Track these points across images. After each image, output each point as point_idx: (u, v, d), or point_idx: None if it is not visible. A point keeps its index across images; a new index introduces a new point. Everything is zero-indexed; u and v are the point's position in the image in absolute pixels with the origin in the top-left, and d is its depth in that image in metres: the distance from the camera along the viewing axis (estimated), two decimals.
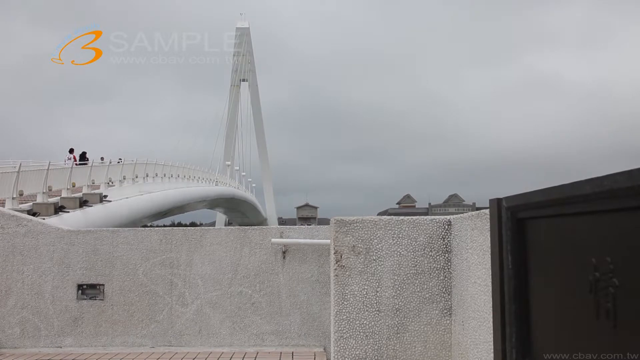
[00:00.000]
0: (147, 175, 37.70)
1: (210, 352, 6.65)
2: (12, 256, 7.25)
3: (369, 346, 4.53)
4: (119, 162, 34.01)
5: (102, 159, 35.52)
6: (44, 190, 23.82)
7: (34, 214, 20.03)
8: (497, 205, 2.35)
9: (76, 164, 31.61)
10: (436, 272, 4.53)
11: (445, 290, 4.59)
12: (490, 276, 3.03)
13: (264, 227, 7.95)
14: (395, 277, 4.49)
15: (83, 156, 36.07)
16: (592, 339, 1.61)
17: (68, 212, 23.74)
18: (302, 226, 7.89)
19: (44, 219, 13.35)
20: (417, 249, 4.51)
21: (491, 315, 3.38)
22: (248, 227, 7.91)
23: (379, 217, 4.69)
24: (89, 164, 31.41)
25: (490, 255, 2.38)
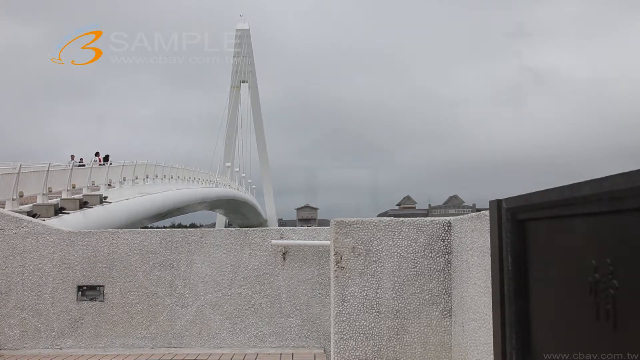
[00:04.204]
0: (147, 177, 37.71)
1: (210, 354, 6.65)
2: (12, 257, 7.26)
3: (369, 347, 4.53)
4: (94, 162, 34.07)
5: (81, 160, 35.69)
6: (44, 192, 23.82)
7: (34, 216, 20.03)
8: (497, 207, 2.35)
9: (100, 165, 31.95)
10: (436, 273, 4.54)
11: (445, 291, 4.59)
12: (490, 277, 3.03)
13: (264, 228, 7.94)
14: (395, 279, 4.49)
15: (106, 159, 36.55)
16: (592, 340, 1.61)
17: (68, 213, 23.74)
18: (302, 227, 7.89)
19: (44, 220, 13.34)
20: (417, 250, 4.51)
21: (491, 316, 3.39)
22: (248, 228, 7.91)
23: (379, 218, 4.70)
24: (107, 165, 31.54)
25: (490, 257, 2.39)
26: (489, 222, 2.51)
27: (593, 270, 1.60)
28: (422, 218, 4.62)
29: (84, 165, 32.35)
